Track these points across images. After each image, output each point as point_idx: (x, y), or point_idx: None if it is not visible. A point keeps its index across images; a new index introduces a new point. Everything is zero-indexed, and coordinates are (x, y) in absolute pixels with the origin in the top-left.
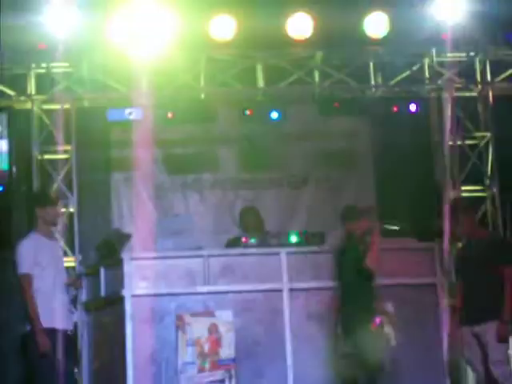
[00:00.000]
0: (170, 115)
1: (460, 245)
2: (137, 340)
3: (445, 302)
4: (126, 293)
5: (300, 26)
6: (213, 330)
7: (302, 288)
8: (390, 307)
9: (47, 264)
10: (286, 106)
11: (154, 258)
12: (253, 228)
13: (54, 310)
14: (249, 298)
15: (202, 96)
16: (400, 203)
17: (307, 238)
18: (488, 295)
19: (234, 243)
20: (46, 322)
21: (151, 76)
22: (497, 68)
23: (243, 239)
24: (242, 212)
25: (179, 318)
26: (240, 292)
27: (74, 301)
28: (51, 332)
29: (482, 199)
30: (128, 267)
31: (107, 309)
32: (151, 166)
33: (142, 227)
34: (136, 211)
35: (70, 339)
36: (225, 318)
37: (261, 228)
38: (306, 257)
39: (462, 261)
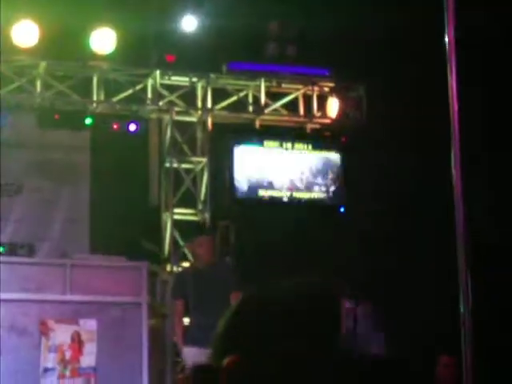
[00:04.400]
0: None
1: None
2: None
3: (148, 322)
4: None
5: (26, 33)
6: None
7: (5, 299)
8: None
9: None
10: (3, 113)
11: None
12: None
13: None
14: None
15: None
16: (113, 221)
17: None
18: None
19: None
20: None
21: None
22: (218, 96)
23: None
24: None
25: None
26: None
27: None
28: None
29: (193, 223)
30: None
31: None
32: None
33: None
34: None
35: None
36: None
37: None
38: (14, 267)
39: (198, 283)
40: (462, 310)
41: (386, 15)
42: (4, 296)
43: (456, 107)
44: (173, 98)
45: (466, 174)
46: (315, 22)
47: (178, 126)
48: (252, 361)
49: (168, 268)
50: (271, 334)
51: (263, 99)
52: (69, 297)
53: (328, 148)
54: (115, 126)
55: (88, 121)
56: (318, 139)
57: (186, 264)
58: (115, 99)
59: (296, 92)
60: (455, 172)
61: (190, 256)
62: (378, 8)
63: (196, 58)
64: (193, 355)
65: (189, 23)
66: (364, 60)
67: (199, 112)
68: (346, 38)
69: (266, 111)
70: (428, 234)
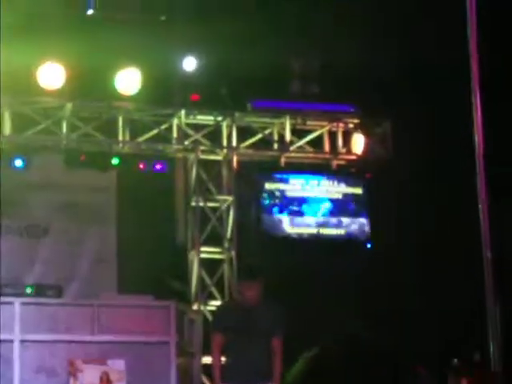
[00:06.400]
0: None
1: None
2: None
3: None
4: None
5: (51, 75)
6: None
7: (34, 340)
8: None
9: None
10: (30, 154)
11: None
12: None
13: None
14: None
15: None
16: (140, 260)
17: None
18: (262, 359)
19: None
20: None
21: None
22: (243, 134)
23: None
24: None
25: None
26: None
27: None
28: None
29: (219, 261)
30: None
31: None
32: None
33: None
34: None
35: None
36: None
37: None
38: (42, 308)
39: (241, 320)
40: (491, 348)
41: (409, 50)
42: (32, 337)
43: (481, 140)
44: (198, 137)
45: (492, 207)
46: (337, 59)
47: (204, 164)
48: None
49: (195, 306)
50: None
51: (288, 136)
52: (97, 337)
53: (353, 184)
54: (141, 166)
55: (114, 161)
56: (344, 176)
57: (214, 302)
58: (141, 139)
59: (321, 129)
60: (482, 206)
61: (216, 294)
62: (401, 43)
63: (219, 96)
64: None
65: (189, 63)
66: (389, 95)
67: (224, 150)
68: (369, 74)
69: (291, 148)
70: (455, 270)
